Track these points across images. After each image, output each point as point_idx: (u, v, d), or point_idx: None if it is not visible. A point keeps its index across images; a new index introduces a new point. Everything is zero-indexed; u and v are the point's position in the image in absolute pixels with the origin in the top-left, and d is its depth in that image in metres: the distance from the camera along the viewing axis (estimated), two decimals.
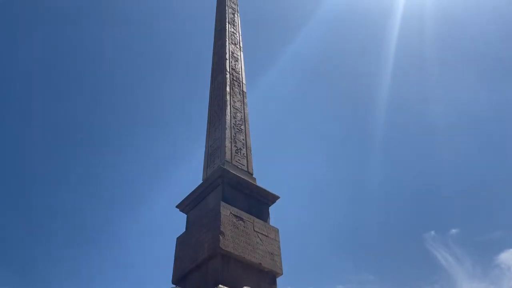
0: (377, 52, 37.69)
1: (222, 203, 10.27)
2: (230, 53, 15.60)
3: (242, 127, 13.31)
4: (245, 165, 12.31)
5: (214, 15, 18.48)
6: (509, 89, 36.13)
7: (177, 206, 12.08)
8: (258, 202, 11.48)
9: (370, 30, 40.41)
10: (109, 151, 38.40)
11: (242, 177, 11.46)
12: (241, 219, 10.34)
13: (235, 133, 12.84)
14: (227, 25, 16.82)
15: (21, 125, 35.90)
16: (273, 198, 11.80)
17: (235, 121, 13.21)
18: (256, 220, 10.71)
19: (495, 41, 36.95)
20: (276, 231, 10.95)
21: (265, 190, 11.69)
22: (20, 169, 34.98)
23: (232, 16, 17.78)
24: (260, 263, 9.98)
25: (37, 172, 35.07)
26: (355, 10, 41.05)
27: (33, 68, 37.02)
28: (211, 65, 15.93)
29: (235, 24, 17.40)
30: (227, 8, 17.86)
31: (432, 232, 33.92)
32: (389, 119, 37.27)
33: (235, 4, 18.69)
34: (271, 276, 10.18)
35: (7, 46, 35.15)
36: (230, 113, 13.30)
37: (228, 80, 14.36)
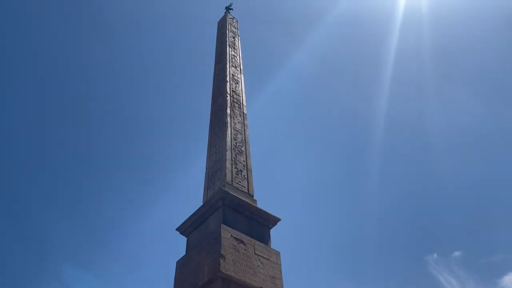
0: (376, 67, 38.03)
1: (223, 226, 10.16)
2: (231, 76, 15.77)
3: (243, 148, 13.31)
4: (246, 186, 12.24)
5: (215, 38, 18.80)
6: (508, 104, 36.37)
7: (177, 229, 11.95)
8: (259, 224, 11.36)
9: (368, 46, 40.88)
10: (108, 172, 38.30)
11: (242, 199, 11.38)
12: (242, 242, 10.21)
13: (235, 155, 12.84)
14: (227, 48, 17.07)
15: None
16: (274, 220, 11.68)
17: (236, 143, 13.23)
18: (257, 243, 10.57)
19: (493, 56, 37.38)
20: (277, 254, 10.80)
21: (266, 212, 11.58)
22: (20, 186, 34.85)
23: (233, 39, 18.07)
24: (262, 287, 9.81)
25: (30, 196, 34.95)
26: (353, 26, 41.56)
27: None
28: (211, 88, 16.09)
29: (235, 47, 17.66)
30: (227, 32, 18.17)
31: (435, 255, 33.47)
32: (388, 138, 37.33)
33: (235, 28, 19.03)
34: None
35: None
36: (231, 134, 13.33)
37: (228, 102, 14.46)
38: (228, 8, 20.22)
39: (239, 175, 12.35)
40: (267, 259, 10.42)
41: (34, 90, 36.99)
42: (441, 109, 37.65)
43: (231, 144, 13.02)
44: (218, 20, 19.73)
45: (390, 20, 37.28)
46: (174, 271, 10.92)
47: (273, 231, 11.59)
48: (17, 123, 35.94)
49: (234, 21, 19.52)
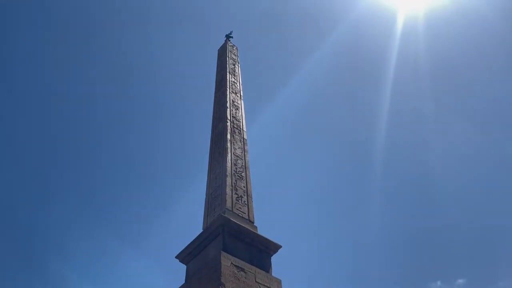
0: (375, 91, 38.29)
1: (223, 253, 10.00)
2: (231, 102, 15.92)
3: (243, 174, 13.27)
4: (246, 213, 12.12)
5: (215, 65, 19.11)
6: (505, 132, 36.47)
7: (176, 257, 11.77)
8: (260, 251, 11.18)
9: (366, 69, 41.30)
10: (106, 199, 38.03)
11: (243, 225, 11.24)
12: (242, 269, 10.02)
13: (235, 181, 12.78)
14: (228, 75, 17.31)
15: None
16: (275, 247, 11.50)
17: (236, 168, 13.20)
18: (258, 270, 10.38)
19: (489, 84, 37.75)
20: (278, 282, 10.58)
21: (266, 239, 11.42)
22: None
23: (233, 66, 18.35)
24: None
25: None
26: (352, 50, 42.02)
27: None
28: (211, 114, 16.23)
29: (235, 74, 17.91)
30: (228, 59, 18.47)
31: (438, 283, 32.77)
32: (388, 165, 37.18)
33: (235, 55, 19.36)
34: None
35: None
36: (231, 160, 13.31)
37: (229, 127, 14.53)
38: (228, 36, 20.62)
39: (240, 201, 12.25)
40: (268, 287, 10.20)
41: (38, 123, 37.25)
42: (441, 134, 37.79)
43: (231, 169, 12.98)
44: (219, 48, 20.10)
45: (388, 44, 37.88)
46: None
47: (274, 258, 11.42)
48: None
49: (234, 48, 19.87)
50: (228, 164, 13.02)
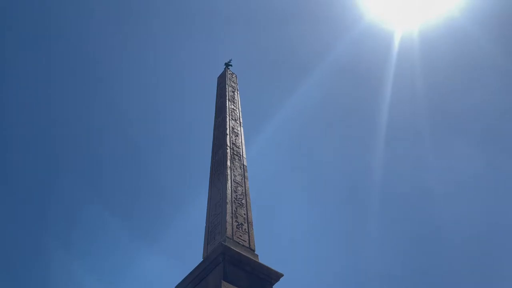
0: (371, 113, 38.36)
1: (224, 283, 9.84)
2: (231, 129, 16.07)
3: (243, 201, 13.23)
4: (247, 241, 12.01)
5: (215, 93, 19.42)
6: (504, 153, 36.48)
7: (176, 287, 11.59)
8: (261, 280, 11.00)
9: (362, 93, 41.37)
10: (102, 226, 37.53)
11: (243, 254, 11.10)
12: None
13: (236, 208, 12.73)
14: (227, 103, 17.56)
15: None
16: (277, 276, 11.31)
17: (236, 195, 13.18)
18: None
19: (488, 100, 37.96)
20: None
21: (267, 268, 11.26)
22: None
23: (232, 94, 18.63)
24: None
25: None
26: (347, 73, 42.43)
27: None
28: (211, 141, 16.35)
29: (235, 101, 18.16)
30: (227, 87, 18.79)
31: None
32: (387, 185, 36.99)
33: (234, 83, 19.69)
34: None
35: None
36: (231, 187, 13.31)
37: (228, 154, 14.61)
38: (227, 65, 20.98)
39: (240, 228, 12.16)
40: None
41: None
42: (438, 155, 37.76)
43: (231, 197, 12.95)
44: (218, 76, 20.46)
45: (384, 67, 38.34)
46: None
47: (275, 287, 11.21)
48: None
49: (233, 76, 20.21)
50: (228, 191, 13.01)
